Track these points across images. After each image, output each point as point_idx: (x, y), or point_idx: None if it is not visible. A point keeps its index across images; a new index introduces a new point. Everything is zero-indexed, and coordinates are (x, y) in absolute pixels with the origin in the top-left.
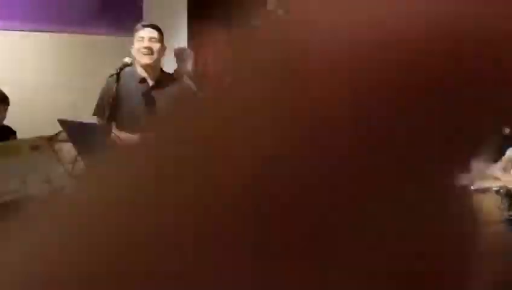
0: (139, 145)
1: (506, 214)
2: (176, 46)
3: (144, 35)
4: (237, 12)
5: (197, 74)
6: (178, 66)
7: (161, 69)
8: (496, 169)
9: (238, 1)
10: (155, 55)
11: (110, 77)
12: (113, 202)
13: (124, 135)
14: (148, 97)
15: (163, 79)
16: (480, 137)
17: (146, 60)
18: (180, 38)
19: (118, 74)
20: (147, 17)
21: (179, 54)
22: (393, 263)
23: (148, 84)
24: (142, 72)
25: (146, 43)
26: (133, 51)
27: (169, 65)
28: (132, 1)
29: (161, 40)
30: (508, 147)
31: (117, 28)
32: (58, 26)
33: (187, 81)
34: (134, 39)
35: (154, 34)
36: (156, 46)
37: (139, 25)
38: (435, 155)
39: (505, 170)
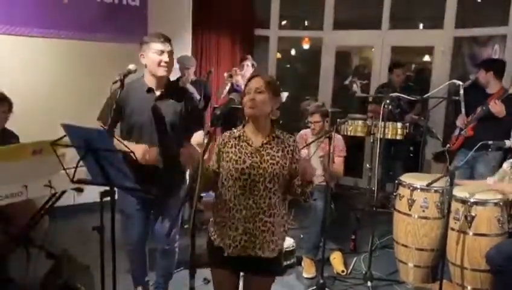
0: None
1: (505, 226)
2: (180, 54)
3: (164, 49)
4: (241, 21)
5: (200, 81)
6: (181, 73)
7: (168, 78)
8: (492, 180)
9: (241, 10)
10: (171, 68)
11: (113, 83)
12: None
13: (132, 146)
14: (155, 107)
15: (169, 88)
16: None
17: (163, 72)
18: (184, 46)
19: (121, 80)
20: (151, 25)
21: (183, 62)
22: None
23: (155, 94)
24: (149, 82)
25: (166, 58)
26: (148, 62)
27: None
28: (135, 8)
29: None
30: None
31: (121, 35)
32: (64, 33)
33: (190, 89)
34: (148, 50)
35: (171, 48)
36: (172, 59)
37: (153, 37)
38: None
39: (501, 181)
